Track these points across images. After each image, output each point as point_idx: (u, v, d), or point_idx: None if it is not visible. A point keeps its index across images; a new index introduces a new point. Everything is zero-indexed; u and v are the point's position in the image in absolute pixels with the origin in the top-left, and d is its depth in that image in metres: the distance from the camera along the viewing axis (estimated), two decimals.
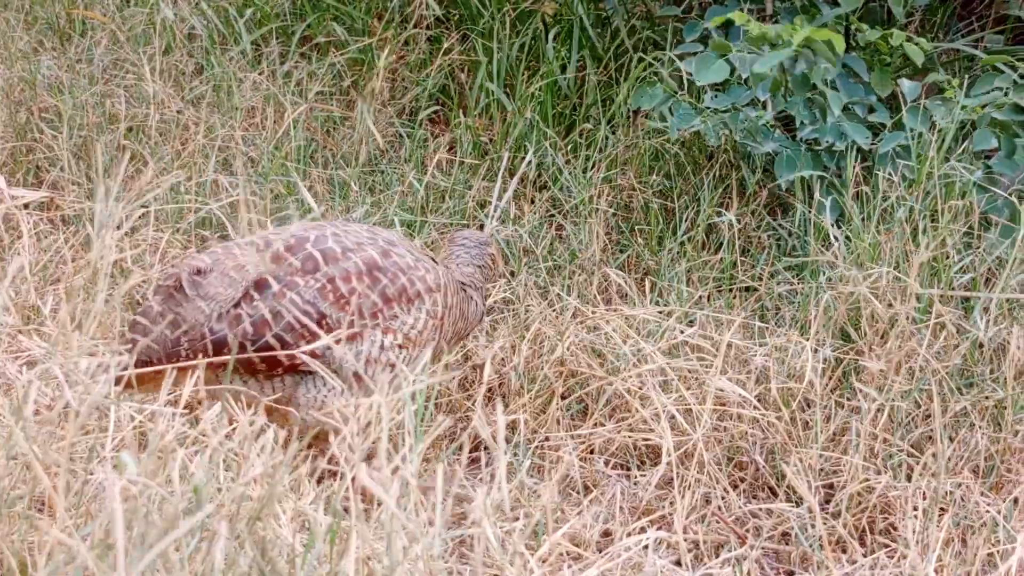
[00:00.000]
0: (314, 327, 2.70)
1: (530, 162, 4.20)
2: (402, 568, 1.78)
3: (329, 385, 2.76)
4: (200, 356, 2.71)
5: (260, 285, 2.75)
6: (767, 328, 3.44)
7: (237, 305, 2.73)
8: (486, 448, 3.23)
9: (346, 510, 2.36)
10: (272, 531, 1.86)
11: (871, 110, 3.93)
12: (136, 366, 2.69)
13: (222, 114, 4.31)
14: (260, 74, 4.61)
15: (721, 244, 3.82)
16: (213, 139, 4.12)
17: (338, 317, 2.78)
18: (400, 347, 2.87)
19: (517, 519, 2.80)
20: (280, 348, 2.71)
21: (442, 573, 1.86)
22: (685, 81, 4.27)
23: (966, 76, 3.96)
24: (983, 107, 3.79)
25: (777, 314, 3.59)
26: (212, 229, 3.67)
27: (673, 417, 3.09)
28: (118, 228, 3.58)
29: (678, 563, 2.81)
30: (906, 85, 3.87)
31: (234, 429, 2.14)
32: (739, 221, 3.90)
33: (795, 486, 2.82)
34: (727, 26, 4.02)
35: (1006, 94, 3.80)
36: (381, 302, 2.83)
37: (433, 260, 3.03)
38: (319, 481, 2.56)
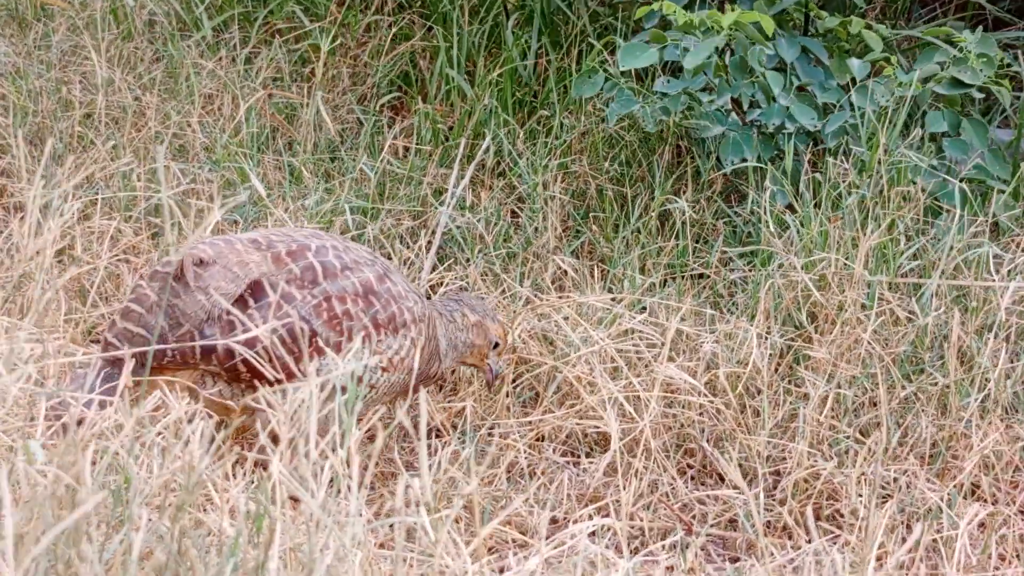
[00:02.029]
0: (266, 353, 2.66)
1: (488, 149, 4.19)
2: (322, 560, 1.77)
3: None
4: (188, 359, 2.69)
5: (256, 291, 2.74)
6: (717, 315, 3.44)
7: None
8: (439, 435, 3.23)
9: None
10: (194, 521, 1.85)
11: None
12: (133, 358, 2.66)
13: (178, 101, 4.29)
14: (219, 61, 4.58)
15: (675, 231, 3.81)
16: (167, 126, 4.10)
17: (328, 336, 2.78)
18: (384, 370, 2.87)
19: (452, 506, 2.80)
20: (268, 361, 2.69)
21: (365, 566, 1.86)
22: (633, 69, 4.27)
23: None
24: (924, 82, 3.79)
25: (730, 301, 3.59)
26: (163, 217, 3.66)
27: (621, 404, 3.09)
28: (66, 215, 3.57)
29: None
30: (855, 65, 3.87)
31: (160, 414, 2.13)
32: (694, 208, 3.89)
33: (728, 474, 2.83)
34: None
35: (945, 68, 3.82)
36: (371, 327, 2.84)
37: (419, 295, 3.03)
38: (254, 468, 2.56)
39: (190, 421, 2.14)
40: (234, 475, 2.34)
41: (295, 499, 2.04)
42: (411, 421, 3.08)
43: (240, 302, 2.71)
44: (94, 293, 3.37)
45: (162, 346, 2.66)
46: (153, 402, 2.28)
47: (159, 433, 2.17)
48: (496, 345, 3.14)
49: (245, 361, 2.64)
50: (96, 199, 3.66)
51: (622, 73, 4.00)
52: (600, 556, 2.57)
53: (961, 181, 3.64)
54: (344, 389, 2.80)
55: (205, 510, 2.23)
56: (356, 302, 2.82)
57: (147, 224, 3.64)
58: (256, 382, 2.66)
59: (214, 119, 4.28)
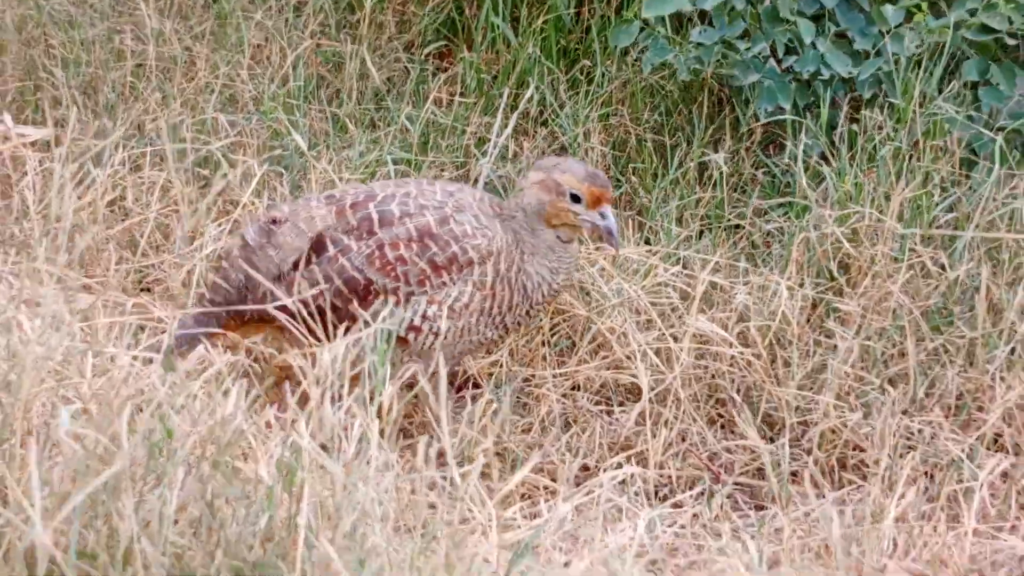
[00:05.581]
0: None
1: (531, 98, 4.24)
2: (349, 515, 1.86)
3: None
4: (264, 316, 2.83)
5: (319, 246, 2.87)
6: (749, 268, 3.49)
7: (296, 265, 2.85)
8: (475, 385, 3.31)
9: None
10: (232, 469, 1.95)
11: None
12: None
13: (227, 50, 4.36)
14: (268, 10, 4.64)
15: (713, 181, 3.85)
16: (217, 76, 4.18)
17: (384, 283, 2.87)
18: (447, 318, 2.93)
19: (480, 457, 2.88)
20: (332, 313, 2.81)
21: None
22: (667, 18, 4.28)
23: None
24: (956, 29, 3.78)
25: (766, 252, 3.63)
26: (212, 168, 3.75)
27: (653, 354, 3.15)
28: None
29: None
30: (888, 11, 3.86)
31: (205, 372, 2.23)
32: (732, 158, 3.92)
33: (743, 430, 2.89)
34: None
35: (975, 15, 3.81)
36: (429, 269, 2.90)
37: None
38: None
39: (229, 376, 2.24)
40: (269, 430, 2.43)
41: (326, 448, 2.13)
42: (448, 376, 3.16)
43: (306, 259, 2.85)
44: (144, 243, 3.48)
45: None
46: (195, 358, 2.37)
47: (201, 387, 2.27)
48: (577, 198, 2.95)
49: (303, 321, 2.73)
50: (147, 151, 3.76)
51: (659, 21, 4.02)
52: (629, 503, 2.66)
53: (998, 132, 3.64)
54: (403, 341, 2.89)
55: (246, 458, 2.33)
56: (410, 246, 2.90)
57: (196, 176, 3.73)
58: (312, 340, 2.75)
59: (263, 69, 4.36)
